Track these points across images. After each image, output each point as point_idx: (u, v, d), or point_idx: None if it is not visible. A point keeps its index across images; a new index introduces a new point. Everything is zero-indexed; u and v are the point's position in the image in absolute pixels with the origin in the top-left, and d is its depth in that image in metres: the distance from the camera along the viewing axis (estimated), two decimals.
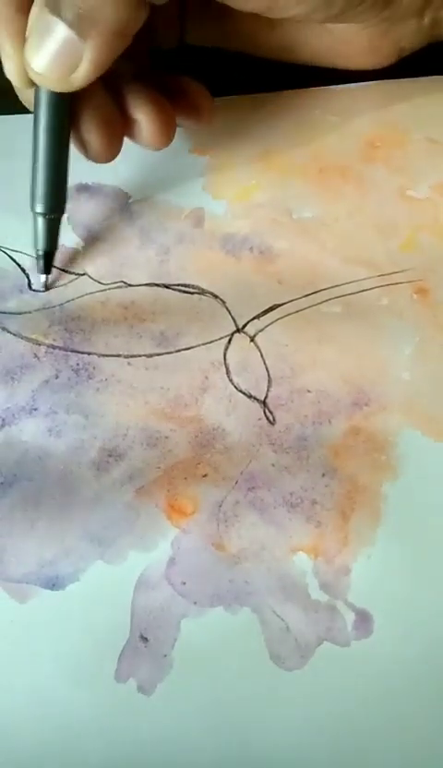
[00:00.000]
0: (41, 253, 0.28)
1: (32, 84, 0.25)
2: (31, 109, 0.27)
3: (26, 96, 0.27)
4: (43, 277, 0.29)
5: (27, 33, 0.24)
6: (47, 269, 0.29)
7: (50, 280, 0.29)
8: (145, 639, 0.24)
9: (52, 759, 0.23)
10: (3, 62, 0.25)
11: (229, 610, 0.25)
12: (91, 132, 0.27)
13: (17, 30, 0.24)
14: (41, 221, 0.28)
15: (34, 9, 0.24)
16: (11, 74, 0.25)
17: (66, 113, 0.26)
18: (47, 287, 0.29)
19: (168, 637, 0.24)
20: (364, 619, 0.24)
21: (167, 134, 0.28)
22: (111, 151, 0.27)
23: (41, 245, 0.28)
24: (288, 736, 0.23)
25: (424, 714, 0.23)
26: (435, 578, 0.25)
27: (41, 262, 0.28)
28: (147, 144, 0.28)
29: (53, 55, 0.24)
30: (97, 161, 0.28)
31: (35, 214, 0.28)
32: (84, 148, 0.27)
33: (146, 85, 0.27)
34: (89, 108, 0.26)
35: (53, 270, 0.29)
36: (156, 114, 0.27)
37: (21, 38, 0.24)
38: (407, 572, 0.25)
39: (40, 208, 0.27)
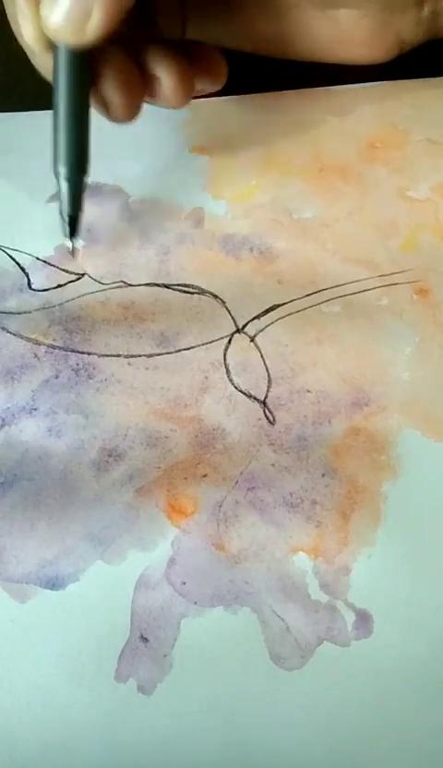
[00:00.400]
0: (66, 218, 0.27)
1: (50, 47, 0.26)
2: (48, 77, 0.27)
3: (42, 62, 0.27)
4: (70, 242, 0.28)
5: None
6: (73, 232, 0.28)
7: (73, 249, 0.28)
8: (145, 639, 0.24)
9: (52, 758, 0.23)
10: (21, 25, 0.25)
11: (229, 610, 0.25)
12: (112, 91, 0.27)
13: None
14: (64, 184, 0.27)
15: None
16: (29, 36, 0.25)
17: (86, 72, 0.26)
18: (73, 254, 0.28)
19: (168, 637, 0.24)
20: (364, 619, 0.24)
21: (186, 91, 0.28)
22: (131, 110, 0.28)
23: (65, 208, 0.27)
24: (288, 736, 0.23)
25: (424, 714, 0.23)
26: (435, 578, 0.25)
27: (67, 227, 0.28)
28: (167, 102, 0.28)
29: (66, 10, 0.24)
30: (118, 120, 0.28)
31: (58, 177, 0.27)
32: (105, 108, 0.27)
33: (165, 45, 0.28)
34: (108, 68, 0.27)
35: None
36: (176, 71, 0.27)
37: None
38: (407, 572, 0.25)
39: (63, 170, 0.27)
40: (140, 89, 0.28)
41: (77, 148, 0.27)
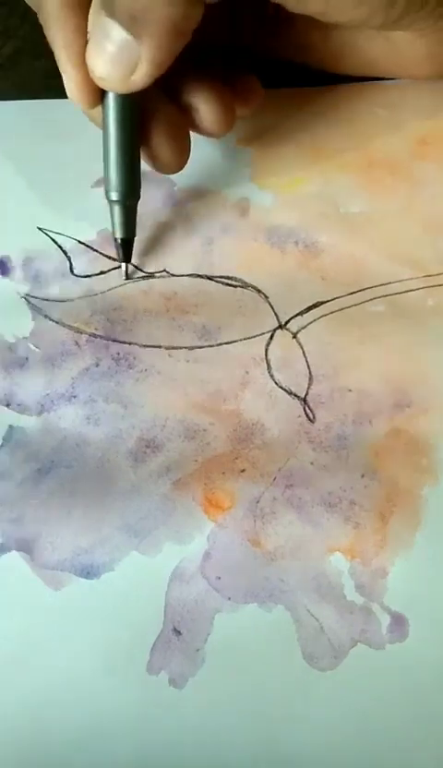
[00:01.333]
0: (118, 241, 0.28)
1: (93, 104, 0.25)
2: (96, 125, 0.27)
3: (89, 114, 0.27)
4: (124, 266, 0.28)
5: (88, 37, 0.24)
6: (127, 257, 0.28)
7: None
8: (178, 632, 0.24)
9: (81, 744, 0.24)
10: (65, 83, 0.25)
11: (263, 607, 0.25)
12: (161, 146, 0.27)
13: (78, 52, 0.24)
14: (116, 208, 0.27)
15: (91, 12, 0.24)
16: (73, 94, 0.25)
17: (135, 109, 0.26)
18: (128, 276, 0.29)
19: (201, 631, 0.24)
20: (399, 623, 0.24)
21: (228, 120, 0.27)
22: (181, 162, 0.27)
23: (117, 232, 0.28)
24: (318, 735, 0.23)
25: None
26: None
27: (121, 251, 0.28)
28: (208, 132, 0.28)
29: (112, 58, 0.23)
30: (167, 172, 0.28)
31: (110, 203, 0.27)
32: (153, 161, 0.27)
33: (204, 73, 0.27)
34: (156, 122, 0.26)
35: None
36: (216, 101, 0.27)
37: (81, 58, 0.24)
38: None
39: (114, 195, 0.27)
40: (187, 140, 0.27)
41: (128, 175, 0.27)
